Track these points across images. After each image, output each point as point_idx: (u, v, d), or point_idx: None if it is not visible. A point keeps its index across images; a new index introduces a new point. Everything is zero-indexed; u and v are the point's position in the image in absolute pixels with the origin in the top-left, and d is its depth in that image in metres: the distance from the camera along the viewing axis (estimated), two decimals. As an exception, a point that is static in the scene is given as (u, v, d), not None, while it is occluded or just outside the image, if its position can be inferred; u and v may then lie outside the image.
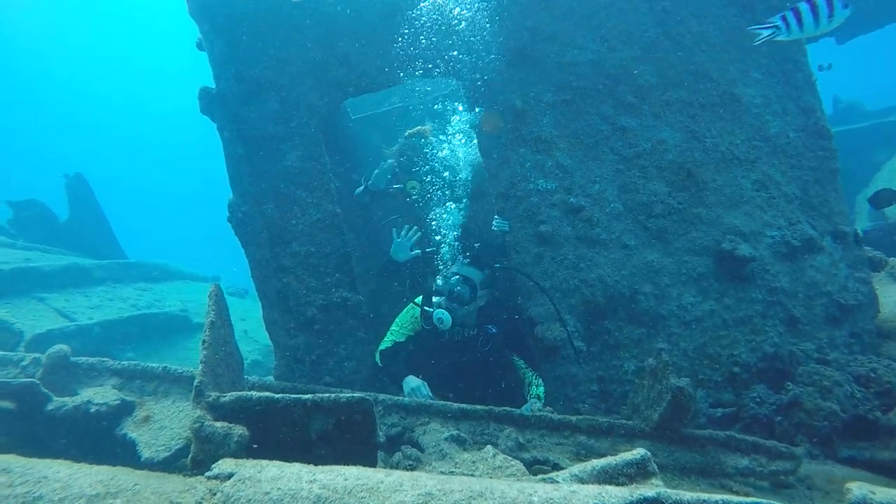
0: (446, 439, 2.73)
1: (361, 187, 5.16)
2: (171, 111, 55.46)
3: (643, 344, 4.28)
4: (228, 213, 3.96)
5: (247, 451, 2.29)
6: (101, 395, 3.68)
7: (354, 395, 2.44)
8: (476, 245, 4.19)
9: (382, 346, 4.01)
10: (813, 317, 4.36)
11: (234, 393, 2.36)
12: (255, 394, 2.37)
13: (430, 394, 3.63)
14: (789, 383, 3.69)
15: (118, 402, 3.64)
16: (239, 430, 2.27)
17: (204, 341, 2.50)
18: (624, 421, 3.14)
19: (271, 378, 4.37)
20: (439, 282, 3.85)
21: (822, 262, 4.42)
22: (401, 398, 3.47)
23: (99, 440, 3.52)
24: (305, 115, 4.20)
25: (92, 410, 3.55)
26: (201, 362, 2.44)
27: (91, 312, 7.49)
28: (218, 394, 2.37)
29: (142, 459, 3.33)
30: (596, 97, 4.37)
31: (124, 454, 3.47)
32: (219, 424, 2.27)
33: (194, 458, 2.27)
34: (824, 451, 3.42)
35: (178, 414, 3.69)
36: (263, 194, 4.14)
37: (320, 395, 2.40)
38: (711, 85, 4.38)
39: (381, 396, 3.50)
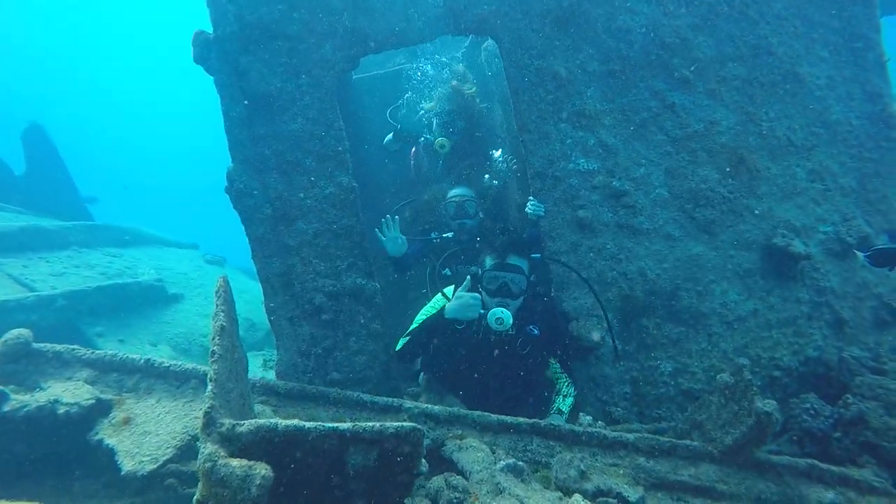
0: (502, 470, 2.30)
1: (391, 134, 4.73)
2: (142, 53, 51.05)
3: (681, 344, 3.93)
4: (227, 182, 3.36)
5: (270, 493, 1.82)
6: (71, 392, 3.13)
7: (403, 424, 1.97)
8: (513, 229, 3.67)
9: (404, 340, 3.53)
10: (861, 320, 4.08)
11: (253, 422, 1.87)
12: (279, 422, 1.88)
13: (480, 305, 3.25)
14: (848, 396, 3.38)
15: (92, 401, 3.10)
16: (262, 471, 1.78)
17: (213, 353, 1.99)
18: (688, 442, 2.77)
19: (272, 375, 3.89)
20: (482, 271, 3.31)
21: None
22: (430, 406, 3.03)
23: (68, 447, 2.99)
24: (318, 71, 3.59)
25: (60, 412, 3.00)
26: (211, 380, 1.93)
27: (54, 281, 6.76)
28: (233, 422, 1.87)
29: (122, 472, 2.82)
30: (647, 69, 3.88)
31: (99, 465, 2.96)
32: (235, 463, 1.78)
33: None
34: (891, 473, 3.14)
35: (165, 416, 3.18)
36: (266, 162, 3.55)
37: (361, 424, 1.94)
38: (773, 61, 3.94)
39: (407, 404, 3.06)
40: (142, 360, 3.36)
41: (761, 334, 3.98)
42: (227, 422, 1.88)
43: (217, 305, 2.14)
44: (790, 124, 3.96)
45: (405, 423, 1.98)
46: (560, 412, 3.51)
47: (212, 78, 3.42)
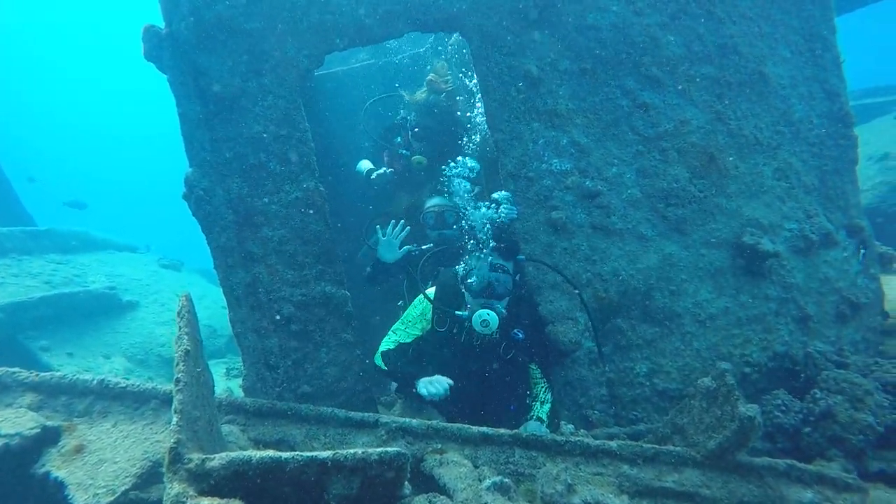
0: (488, 489, 2.21)
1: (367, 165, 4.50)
2: (88, 33, 47.12)
3: (656, 344, 3.93)
4: (185, 189, 3.14)
5: (245, 533, 1.67)
6: (11, 421, 2.86)
7: (387, 450, 1.85)
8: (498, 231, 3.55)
9: (384, 347, 3.38)
10: (824, 315, 4.18)
11: (224, 456, 1.71)
12: (253, 455, 1.73)
13: (448, 386, 3.04)
14: (816, 391, 3.45)
15: (37, 429, 2.85)
16: (236, 510, 1.64)
17: (177, 381, 1.81)
18: (671, 448, 2.75)
19: (235, 384, 3.69)
20: (468, 275, 3.18)
21: (835, 257, 4.23)
22: (407, 420, 2.91)
23: (12, 484, 2.73)
24: (281, 70, 3.40)
25: None
26: (176, 412, 1.76)
27: (-9, 292, 6.30)
28: (202, 457, 1.71)
29: (76, 507, 2.59)
30: (618, 68, 3.85)
31: (49, 502, 2.71)
32: (206, 502, 1.62)
33: (170, 550, 1.62)
34: (856, 465, 3.22)
35: (123, 441, 2.95)
36: (228, 166, 3.34)
37: (342, 452, 1.81)
38: (740, 61, 3.98)
39: (383, 418, 2.93)
40: (94, 381, 3.12)
41: (732, 332, 4.03)
42: (196, 457, 1.72)
43: (180, 328, 1.96)
44: (757, 123, 4.02)
45: (389, 449, 1.86)
46: (539, 419, 3.45)
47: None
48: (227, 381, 6.29)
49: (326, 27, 3.44)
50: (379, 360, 3.40)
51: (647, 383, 3.91)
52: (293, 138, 3.41)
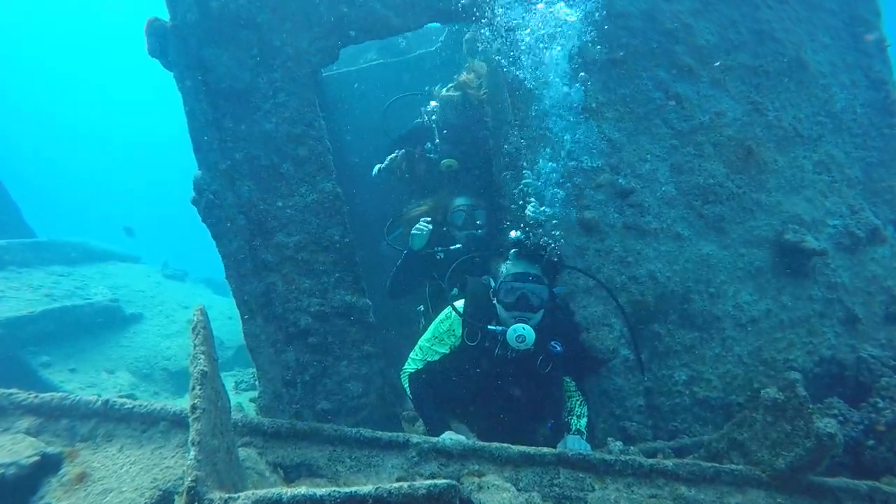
0: (542, 521, 1.96)
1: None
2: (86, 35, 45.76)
3: (695, 350, 3.70)
4: (194, 193, 2.91)
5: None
6: (7, 448, 2.62)
7: (436, 482, 1.61)
8: (528, 234, 3.25)
9: (411, 367, 3.13)
10: (872, 316, 3.94)
11: (251, 494, 1.47)
12: (284, 492, 1.49)
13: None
14: (877, 400, 3.20)
15: (36, 457, 2.60)
16: (266, 560, 1.40)
17: (194, 408, 1.58)
18: (733, 466, 2.50)
19: (244, 399, 3.46)
20: (500, 286, 2.90)
21: (882, 254, 3.99)
22: (441, 440, 2.67)
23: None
24: (293, 64, 3.18)
25: (-3, 474, 2.49)
26: (194, 444, 1.52)
27: (-11, 307, 6.06)
28: (224, 496, 1.47)
29: (79, 544, 2.35)
30: (650, 58, 3.63)
31: (51, 537, 2.47)
32: (231, 552, 1.38)
33: None
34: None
35: (130, 467, 2.71)
36: (238, 168, 3.11)
37: (386, 487, 1.56)
38: (777, 48, 3.76)
39: (414, 438, 2.68)
40: (98, 402, 2.87)
41: (774, 335, 3.79)
42: (218, 496, 1.48)
43: (195, 346, 1.73)
44: (796, 114, 3.79)
45: (438, 482, 1.62)
46: (580, 432, 3.18)
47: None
48: (236, 396, 6.03)
49: (340, 18, 3.22)
50: (405, 382, 3.14)
51: (687, 392, 3.67)
52: (308, 137, 3.18)
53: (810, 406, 2.20)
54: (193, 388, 1.64)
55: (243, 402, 5.71)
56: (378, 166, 4.42)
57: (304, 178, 3.19)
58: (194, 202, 2.92)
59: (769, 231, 3.76)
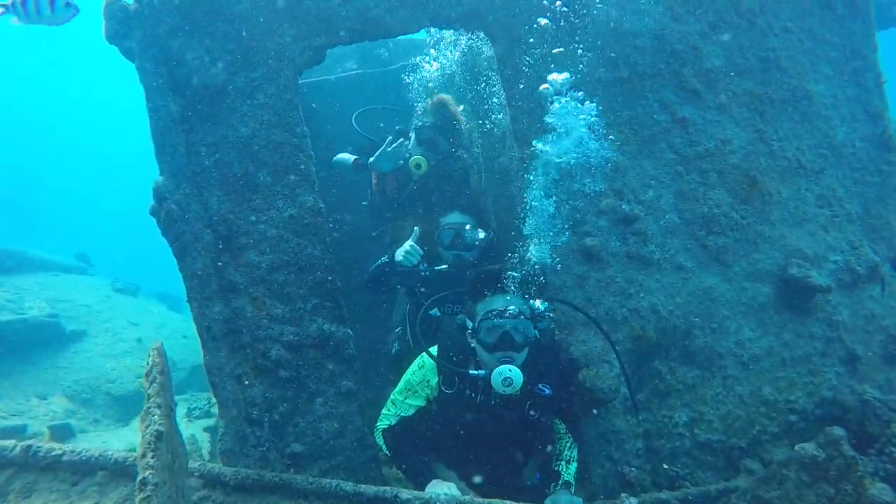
0: None
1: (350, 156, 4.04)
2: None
3: (697, 389, 3.48)
4: (154, 201, 2.51)
5: None
6: None
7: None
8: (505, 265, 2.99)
9: (383, 424, 2.78)
10: (871, 355, 3.82)
11: None
12: None
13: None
14: (893, 448, 3.02)
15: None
16: None
17: (144, 483, 1.19)
18: (761, 530, 2.24)
19: (197, 428, 3.02)
20: (479, 324, 2.58)
21: (879, 292, 3.89)
22: (433, 495, 2.32)
23: None
24: (275, 63, 2.84)
25: None
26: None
27: None
28: None
29: None
30: (657, 78, 3.45)
31: None
32: None
33: None
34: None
35: (56, 530, 2.24)
36: (207, 176, 2.72)
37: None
38: (783, 77, 3.64)
39: (403, 494, 2.32)
40: (17, 448, 2.39)
41: (776, 374, 3.61)
42: None
43: (149, 397, 1.35)
44: (800, 145, 3.68)
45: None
46: (567, 485, 2.88)
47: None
48: (188, 425, 5.48)
49: (330, 16, 2.91)
50: (380, 440, 2.80)
51: (688, 434, 3.43)
52: (288, 144, 2.83)
53: (860, 469, 1.96)
54: (144, 455, 1.26)
55: (196, 433, 5.18)
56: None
57: (281, 191, 2.82)
58: (153, 212, 2.52)
59: (772, 265, 3.61)
